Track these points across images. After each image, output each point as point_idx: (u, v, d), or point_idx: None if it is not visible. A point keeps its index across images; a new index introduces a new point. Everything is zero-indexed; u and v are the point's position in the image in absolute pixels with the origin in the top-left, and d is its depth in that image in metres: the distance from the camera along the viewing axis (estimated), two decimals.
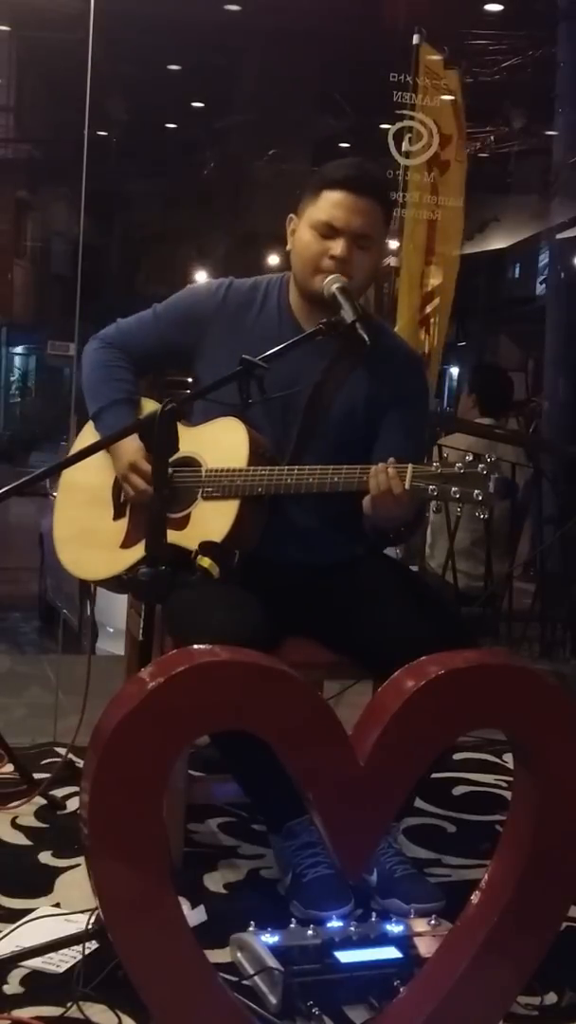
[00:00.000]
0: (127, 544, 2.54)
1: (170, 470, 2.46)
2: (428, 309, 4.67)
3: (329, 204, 2.46)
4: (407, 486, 2.22)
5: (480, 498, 2.15)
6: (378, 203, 2.49)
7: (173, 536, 2.43)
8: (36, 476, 2.28)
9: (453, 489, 2.17)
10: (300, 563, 2.50)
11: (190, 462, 2.48)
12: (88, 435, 2.63)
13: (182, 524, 2.44)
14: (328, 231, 2.46)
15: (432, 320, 4.67)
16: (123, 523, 2.57)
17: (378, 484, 2.26)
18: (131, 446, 2.47)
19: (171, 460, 2.45)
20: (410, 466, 2.23)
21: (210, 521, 2.42)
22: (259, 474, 2.40)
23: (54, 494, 2.72)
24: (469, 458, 2.21)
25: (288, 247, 2.55)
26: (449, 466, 2.19)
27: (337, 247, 2.44)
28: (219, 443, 2.47)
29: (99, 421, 2.59)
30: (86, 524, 2.63)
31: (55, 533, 2.68)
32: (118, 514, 2.58)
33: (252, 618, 2.35)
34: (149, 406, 2.58)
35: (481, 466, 2.17)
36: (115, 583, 2.55)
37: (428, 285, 4.62)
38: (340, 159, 2.55)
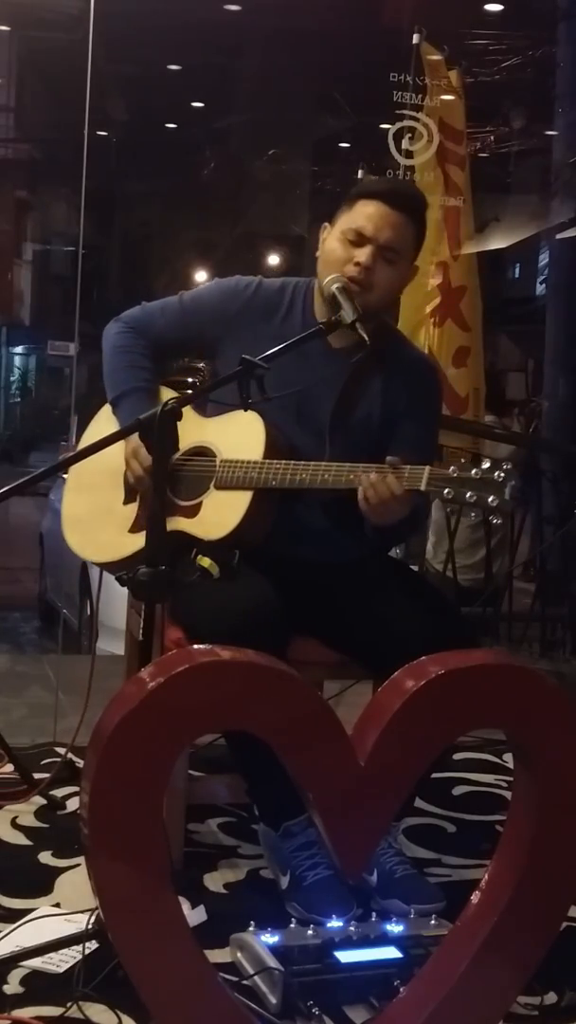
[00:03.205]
0: (135, 529, 2.52)
1: (183, 458, 2.47)
2: (428, 309, 4.67)
3: (361, 213, 2.47)
4: (423, 487, 2.23)
5: (495, 504, 2.15)
6: (410, 220, 2.49)
7: (183, 524, 2.43)
8: (36, 476, 2.27)
9: (468, 493, 2.17)
10: (308, 562, 2.49)
11: (205, 451, 2.48)
12: (103, 420, 2.61)
13: (193, 512, 2.44)
14: (356, 239, 2.46)
15: (432, 320, 4.66)
16: (133, 508, 2.55)
17: (377, 493, 2.27)
18: None
19: (186, 448, 2.47)
20: (427, 468, 2.23)
21: (221, 511, 2.41)
22: (274, 467, 2.39)
23: (65, 475, 2.68)
24: (487, 464, 2.20)
25: (317, 254, 2.55)
26: (466, 470, 2.19)
27: (362, 255, 2.45)
28: (236, 435, 2.45)
29: (117, 408, 2.57)
30: (95, 505, 2.60)
31: (63, 511, 2.65)
32: (129, 498, 2.56)
33: (269, 602, 2.34)
34: (167, 394, 2.56)
35: (498, 472, 2.17)
36: (119, 567, 2.53)
37: (429, 285, 4.62)
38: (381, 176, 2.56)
